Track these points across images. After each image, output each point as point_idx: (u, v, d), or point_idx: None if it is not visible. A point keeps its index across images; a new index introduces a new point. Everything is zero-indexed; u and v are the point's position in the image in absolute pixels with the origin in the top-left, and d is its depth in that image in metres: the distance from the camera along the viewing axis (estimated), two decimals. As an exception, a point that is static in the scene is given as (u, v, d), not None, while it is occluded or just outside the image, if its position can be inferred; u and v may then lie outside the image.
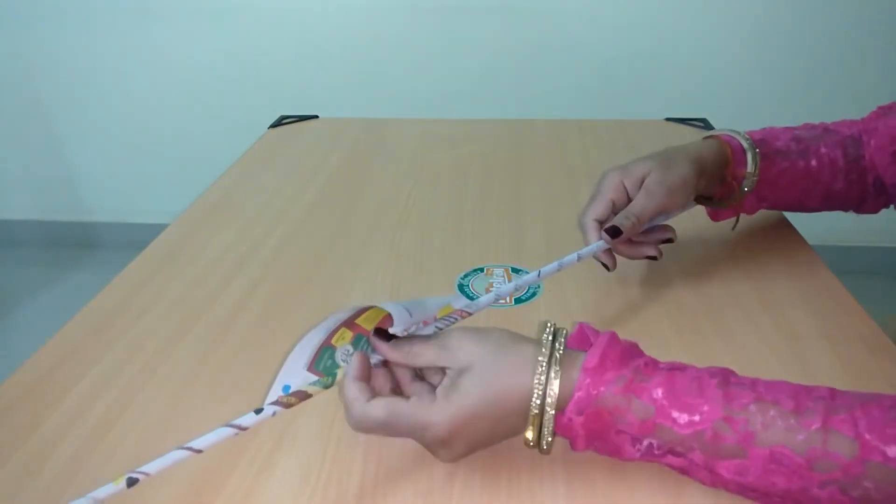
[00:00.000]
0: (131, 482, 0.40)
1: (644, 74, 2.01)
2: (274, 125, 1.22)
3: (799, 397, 0.41)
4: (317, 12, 2.03)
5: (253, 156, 1.09)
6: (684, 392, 0.42)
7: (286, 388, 0.46)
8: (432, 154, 1.07)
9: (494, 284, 0.70)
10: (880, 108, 0.72)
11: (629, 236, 0.62)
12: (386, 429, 0.45)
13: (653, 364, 0.44)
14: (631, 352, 0.45)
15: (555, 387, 0.43)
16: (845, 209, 0.74)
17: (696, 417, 0.41)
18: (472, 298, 0.68)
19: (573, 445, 0.45)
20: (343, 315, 0.49)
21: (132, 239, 1.37)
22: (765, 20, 1.92)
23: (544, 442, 0.44)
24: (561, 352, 0.44)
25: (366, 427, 0.45)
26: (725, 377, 0.43)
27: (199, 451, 0.42)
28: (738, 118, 1.61)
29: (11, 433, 0.53)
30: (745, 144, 0.68)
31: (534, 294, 0.69)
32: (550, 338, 0.45)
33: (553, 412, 0.43)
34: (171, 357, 0.61)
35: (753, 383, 0.42)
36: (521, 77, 2.05)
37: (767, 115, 1.97)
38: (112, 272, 0.75)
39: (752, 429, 0.40)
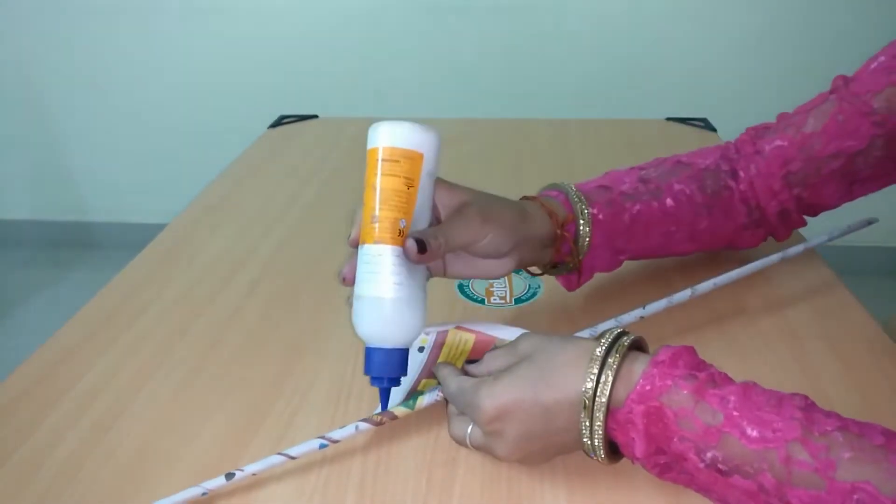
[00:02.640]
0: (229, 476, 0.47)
1: (645, 74, 2.01)
2: (273, 125, 1.22)
3: (890, 436, 0.37)
4: (316, 12, 2.03)
5: (252, 155, 1.09)
6: (760, 406, 0.39)
7: (377, 412, 0.50)
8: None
9: (494, 285, 0.70)
10: (751, 129, 0.66)
11: (433, 259, 0.49)
12: (455, 402, 0.47)
13: (728, 377, 0.42)
14: (708, 365, 0.43)
15: (609, 375, 0.42)
16: (717, 248, 0.68)
17: (769, 434, 0.38)
18: (472, 299, 0.68)
19: (633, 453, 0.42)
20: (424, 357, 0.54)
21: (131, 239, 1.37)
22: (766, 19, 1.92)
23: (597, 439, 0.42)
24: (626, 342, 0.43)
25: (449, 398, 0.48)
26: (809, 403, 0.40)
27: (294, 458, 0.48)
28: (739, 117, 1.61)
29: (11, 433, 0.53)
30: (567, 192, 0.60)
31: (534, 294, 0.68)
32: (614, 335, 0.44)
33: (605, 401, 0.41)
34: (170, 357, 0.61)
35: (841, 416, 0.39)
36: (521, 77, 2.04)
37: (768, 113, 1.96)
38: (111, 272, 0.75)
39: (833, 457, 0.36)
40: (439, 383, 0.51)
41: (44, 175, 2.38)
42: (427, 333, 0.55)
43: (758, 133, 0.66)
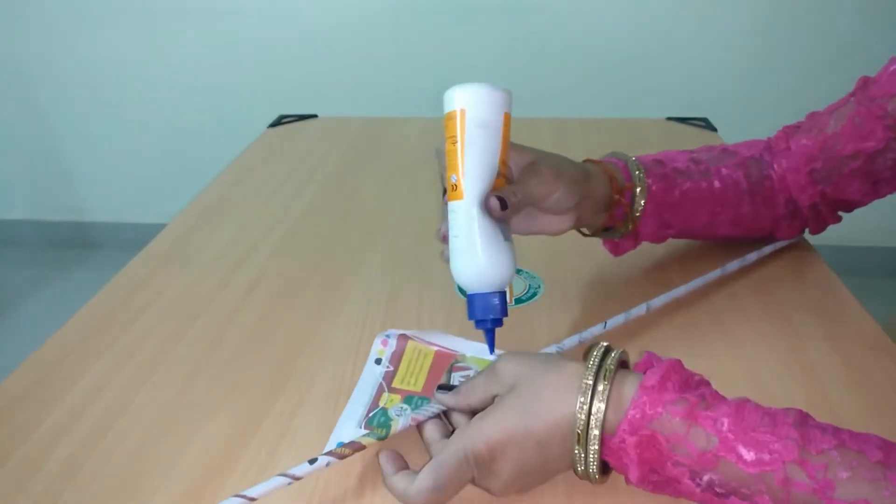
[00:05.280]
0: None
1: (645, 73, 2.01)
2: (273, 125, 1.22)
3: (888, 449, 0.37)
4: (316, 12, 2.03)
5: (251, 155, 1.09)
6: (754, 426, 0.38)
7: (339, 444, 0.47)
8: (432, 153, 1.07)
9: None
10: (787, 127, 0.70)
11: (515, 213, 0.53)
12: (443, 490, 0.42)
13: (719, 395, 0.41)
14: (697, 383, 0.42)
15: (601, 404, 0.40)
16: (759, 236, 0.71)
17: (766, 456, 0.37)
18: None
19: (627, 476, 0.42)
20: (381, 371, 0.53)
21: (130, 239, 1.37)
22: (766, 19, 1.92)
23: (591, 468, 0.42)
24: (612, 366, 0.42)
25: (431, 500, 0.42)
26: (803, 418, 0.39)
27: (254, 500, 0.43)
28: (740, 117, 1.62)
29: (11, 433, 0.53)
30: (626, 161, 0.64)
31: (534, 294, 0.68)
32: (599, 355, 0.43)
33: (599, 431, 0.40)
34: (169, 357, 0.61)
35: (837, 430, 0.38)
36: (522, 76, 2.04)
37: (769, 113, 1.96)
38: (110, 272, 0.75)
39: (831, 477, 0.36)
40: (405, 402, 0.50)
41: (43, 175, 2.38)
42: (387, 339, 0.55)
43: (790, 131, 0.69)
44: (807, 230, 0.72)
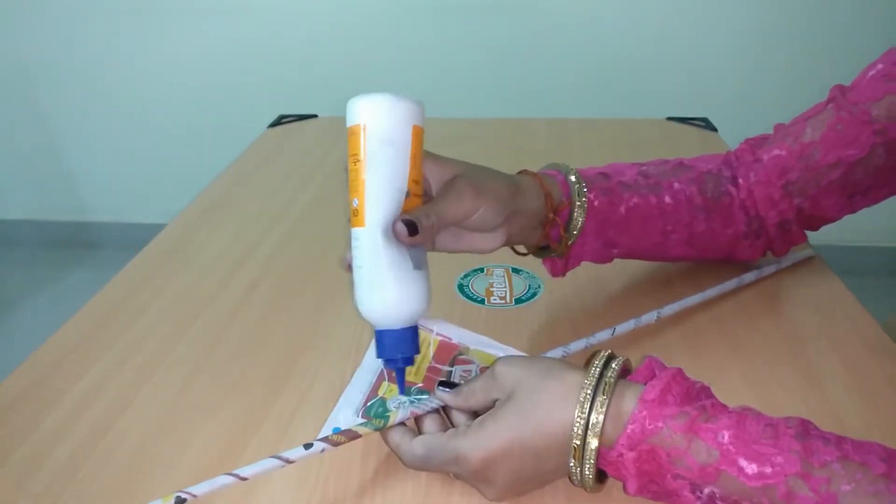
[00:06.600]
0: (179, 501, 0.42)
1: (645, 73, 2.01)
2: (273, 125, 1.22)
3: (891, 461, 0.37)
4: (316, 12, 2.03)
5: (252, 155, 1.09)
6: (755, 438, 0.38)
7: (335, 430, 0.46)
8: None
9: (494, 285, 0.70)
10: (750, 140, 0.66)
11: (427, 239, 0.48)
12: (428, 464, 0.44)
13: (721, 405, 0.41)
14: (699, 392, 0.41)
15: (599, 417, 0.40)
16: (715, 257, 0.66)
17: (768, 469, 0.37)
18: (472, 299, 0.68)
19: (625, 487, 0.41)
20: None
21: (131, 239, 1.37)
22: (766, 19, 1.92)
23: (587, 479, 0.41)
24: (612, 379, 0.41)
25: (415, 466, 0.45)
26: (805, 428, 0.39)
27: (245, 479, 0.43)
28: (740, 117, 1.62)
29: (11, 433, 0.53)
30: (566, 174, 0.59)
31: (534, 294, 0.68)
32: (601, 365, 0.42)
33: (596, 445, 0.40)
34: (170, 356, 0.61)
35: (840, 440, 0.38)
36: (521, 76, 2.04)
37: (769, 113, 1.96)
38: (111, 272, 0.75)
39: (834, 490, 0.36)
40: (401, 390, 0.49)
41: (44, 175, 2.38)
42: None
43: (756, 143, 0.65)
44: (770, 252, 0.67)
